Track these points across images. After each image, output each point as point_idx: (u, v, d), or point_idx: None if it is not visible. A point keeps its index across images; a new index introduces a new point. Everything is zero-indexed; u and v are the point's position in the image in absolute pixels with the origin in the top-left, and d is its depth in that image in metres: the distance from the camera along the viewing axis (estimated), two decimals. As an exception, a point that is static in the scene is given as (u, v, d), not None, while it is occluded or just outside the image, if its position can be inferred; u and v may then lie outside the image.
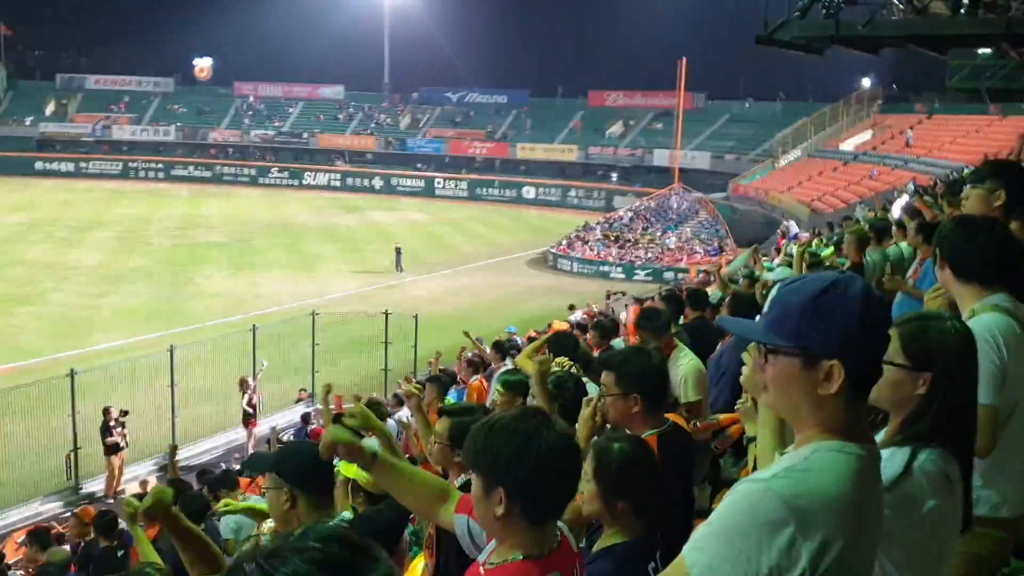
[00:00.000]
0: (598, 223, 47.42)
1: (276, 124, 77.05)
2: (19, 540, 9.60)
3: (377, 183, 68.90)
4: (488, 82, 79.43)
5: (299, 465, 3.18)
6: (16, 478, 15.09)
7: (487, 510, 2.19)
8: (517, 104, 75.88)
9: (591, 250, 41.71)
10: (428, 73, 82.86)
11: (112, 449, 15.09)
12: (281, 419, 18.28)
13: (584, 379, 4.70)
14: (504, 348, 11.11)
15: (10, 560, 8.61)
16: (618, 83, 72.89)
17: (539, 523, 2.20)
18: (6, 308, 28.05)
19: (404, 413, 9.80)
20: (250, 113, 78.27)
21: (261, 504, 4.18)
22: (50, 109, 77.45)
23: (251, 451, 16.05)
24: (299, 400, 19.07)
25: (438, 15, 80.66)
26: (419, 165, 71.01)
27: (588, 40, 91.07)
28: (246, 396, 17.19)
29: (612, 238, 43.34)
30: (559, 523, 2.30)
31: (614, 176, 65.29)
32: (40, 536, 8.09)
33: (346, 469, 3.78)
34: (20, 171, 68.03)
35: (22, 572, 7.92)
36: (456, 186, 68.40)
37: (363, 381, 19.37)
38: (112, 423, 15.16)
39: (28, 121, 74.99)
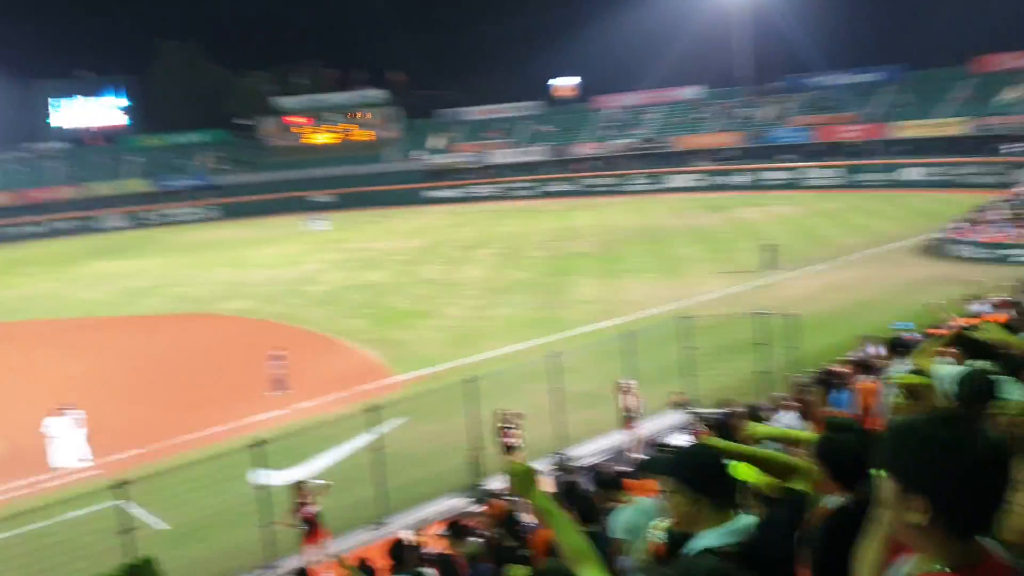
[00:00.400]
0: (1001, 200, 42.38)
1: (637, 132, 78.65)
2: (437, 532, 10.58)
3: (742, 179, 67.71)
4: (852, 62, 74.78)
5: (697, 468, 3.20)
6: (428, 475, 16.81)
7: (902, 516, 2.06)
8: (889, 81, 70.54)
9: (993, 231, 37.43)
10: (788, 62, 79.72)
11: (508, 449, 16.23)
12: (659, 422, 18.52)
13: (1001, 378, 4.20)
14: (898, 346, 10.34)
15: (429, 549, 9.54)
16: (1007, 44, 65.10)
17: (964, 537, 2.03)
18: (411, 323, 31.43)
19: (784, 418, 9.48)
20: (612, 125, 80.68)
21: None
22: (437, 143, 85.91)
23: (633, 453, 16.44)
24: (676, 404, 19.14)
25: (792, 1, 77.52)
26: (785, 156, 68.65)
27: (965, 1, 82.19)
28: (624, 399, 17.66)
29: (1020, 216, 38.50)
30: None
31: (1014, 147, 58.15)
32: (457, 528, 8.86)
33: (740, 471, 3.73)
34: (414, 201, 77.79)
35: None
36: (827, 174, 65.16)
37: (740, 384, 19.04)
38: (507, 425, 16.32)
39: (419, 155, 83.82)
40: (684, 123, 77.41)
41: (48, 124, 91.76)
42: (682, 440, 14.53)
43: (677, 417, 16.86)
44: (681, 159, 73.71)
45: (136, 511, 14.67)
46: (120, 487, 12.98)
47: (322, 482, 14.75)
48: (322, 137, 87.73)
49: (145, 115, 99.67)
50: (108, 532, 12.77)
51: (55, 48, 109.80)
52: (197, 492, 14.92)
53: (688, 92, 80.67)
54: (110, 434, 21.25)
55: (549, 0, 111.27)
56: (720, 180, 68.85)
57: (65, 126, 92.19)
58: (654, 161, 74.85)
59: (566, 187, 75.61)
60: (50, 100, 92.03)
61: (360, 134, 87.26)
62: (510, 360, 23.77)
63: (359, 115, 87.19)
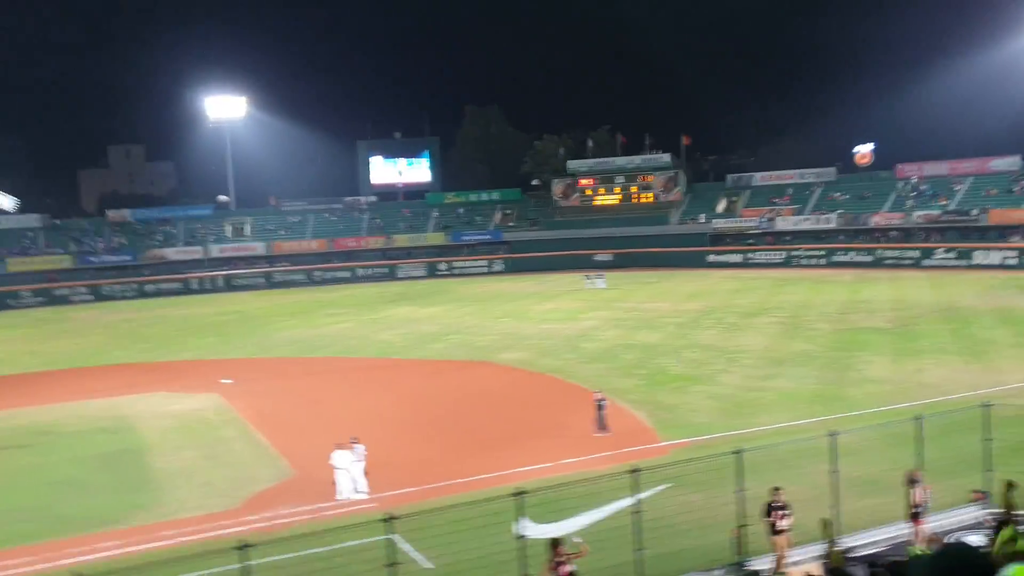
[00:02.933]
0: None
1: (941, 203, 73.12)
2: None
3: (1064, 259, 60.62)
4: None
5: (956, 571, 2.75)
6: (687, 547, 16.15)
7: None
8: None
9: None
10: None
11: (774, 529, 15.27)
12: (951, 518, 16.67)
13: None
14: None
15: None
16: None
17: None
18: (685, 387, 30.79)
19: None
20: (913, 194, 75.71)
21: None
22: (721, 207, 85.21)
23: (916, 548, 14.87)
24: (973, 500, 17.19)
25: None
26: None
27: None
28: (913, 491, 16.07)
29: None
30: None
31: None
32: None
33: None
34: (696, 264, 77.44)
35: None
36: None
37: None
38: (775, 504, 15.37)
39: (702, 218, 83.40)
40: (997, 196, 70.92)
41: (366, 181, 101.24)
42: (976, 539, 12.97)
43: (970, 513, 15.10)
44: (992, 234, 67.46)
45: (404, 547, 15.32)
46: (389, 521, 13.57)
47: (579, 540, 14.62)
48: (608, 198, 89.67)
49: (447, 174, 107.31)
50: (377, 563, 13.34)
51: (378, 113, 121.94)
52: (462, 534, 15.26)
53: (1002, 163, 74.04)
54: (388, 469, 22.47)
55: (850, 66, 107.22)
56: (1038, 258, 62.12)
57: (379, 182, 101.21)
58: (960, 235, 69.09)
59: (858, 258, 71.67)
60: (370, 158, 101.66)
61: (644, 196, 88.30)
62: (785, 435, 22.50)
63: (644, 178, 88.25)
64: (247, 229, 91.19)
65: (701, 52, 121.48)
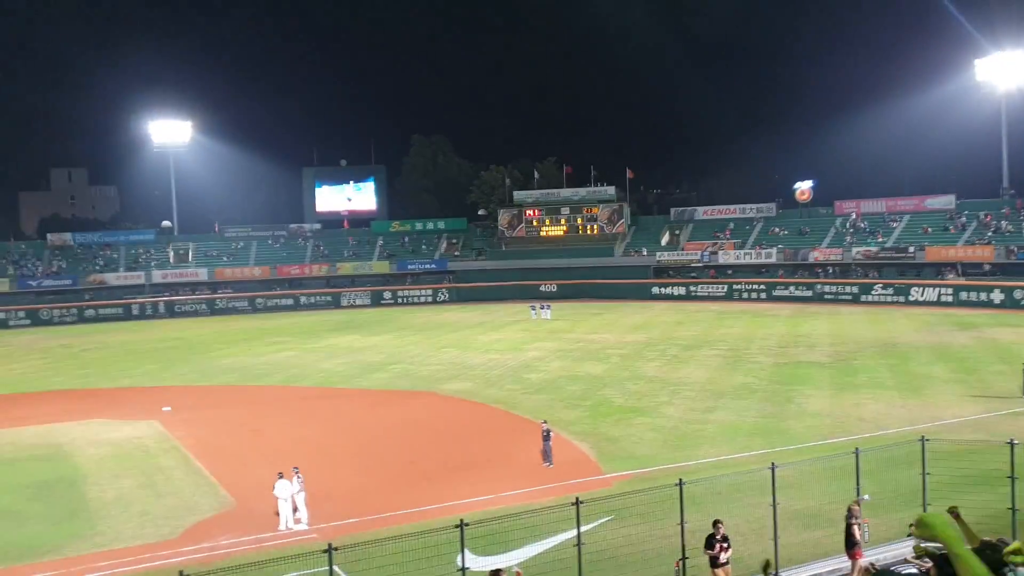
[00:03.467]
0: None
1: (879, 240, 74.98)
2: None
3: (996, 297, 62.40)
4: None
5: None
6: (631, 580, 16.15)
7: None
8: None
9: None
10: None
11: (713, 562, 15.37)
12: (886, 552, 16.94)
13: None
14: None
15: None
16: None
17: None
18: (626, 419, 30.94)
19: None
20: (851, 231, 77.52)
21: None
22: (665, 239, 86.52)
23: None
24: (909, 535, 17.48)
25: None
26: (1048, 275, 62.75)
27: None
28: (850, 524, 16.31)
29: None
30: None
31: None
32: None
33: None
34: (640, 295, 78.31)
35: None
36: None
37: (986, 520, 17.11)
38: (716, 536, 15.48)
39: (646, 251, 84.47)
40: (933, 233, 72.94)
41: (311, 208, 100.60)
42: (911, 571, 13.19)
43: (908, 547, 15.37)
44: (928, 271, 69.28)
45: (342, 578, 15.07)
46: (330, 552, 13.38)
47: (519, 572, 14.55)
48: (554, 229, 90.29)
49: (394, 202, 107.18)
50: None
51: (324, 140, 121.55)
52: (404, 565, 15.07)
53: (937, 202, 76.25)
54: (330, 500, 22.18)
55: (792, 104, 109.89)
56: (971, 296, 63.83)
57: (324, 210, 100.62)
58: (898, 271, 70.86)
59: (798, 292, 72.95)
60: (316, 185, 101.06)
61: (590, 228, 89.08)
62: (727, 468, 22.72)
63: (589, 210, 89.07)
64: (190, 255, 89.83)
65: (646, 90, 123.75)
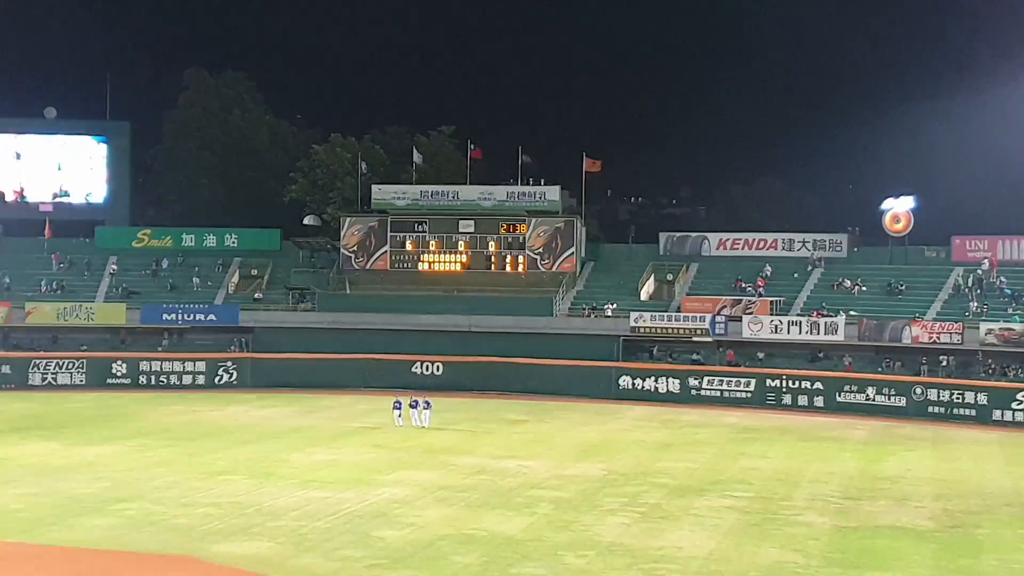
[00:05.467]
0: None
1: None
2: None
3: None
4: None
5: None
6: None
7: None
8: None
9: None
10: None
11: None
12: None
13: None
14: None
15: None
16: None
17: None
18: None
19: None
20: (981, 291, 79.92)
21: None
22: (647, 288, 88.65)
23: None
24: None
25: None
26: None
27: None
28: None
29: None
30: None
31: None
32: None
33: None
34: (598, 390, 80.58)
35: None
36: None
37: None
38: None
39: (611, 308, 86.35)
40: None
41: None
42: None
43: None
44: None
45: None
46: None
47: None
48: (445, 259, 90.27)
49: (144, 193, 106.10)
50: None
51: (17, 73, 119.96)
52: None
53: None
54: None
55: (878, 72, 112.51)
56: None
57: (9, 199, 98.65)
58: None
59: (883, 398, 73.89)
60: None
61: (512, 260, 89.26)
62: None
63: (513, 227, 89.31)
64: None
65: (624, 27, 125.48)
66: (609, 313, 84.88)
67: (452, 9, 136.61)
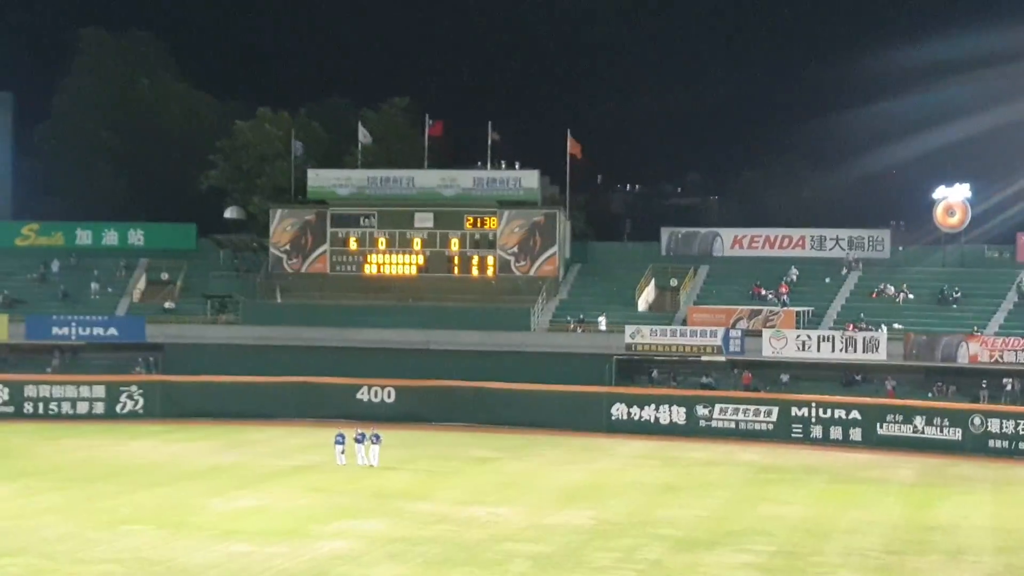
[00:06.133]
0: None
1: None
2: None
3: None
4: None
5: None
6: None
7: None
8: None
9: None
10: None
11: None
12: None
13: None
14: None
15: None
16: None
17: None
18: None
19: None
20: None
21: None
22: (645, 296, 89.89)
23: None
24: None
25: None
26: None
27: None
28: None
29: None
30: None
31: None
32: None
33: None
34: (585, 422, 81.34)
35: None
36: None
37: None
38: None
39: (603, 321, 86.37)
40: None
41: None
42: None
43: None
44: None
45: None
46: None
47: None
48: (397, 260, 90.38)
49: (30, 181, 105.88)
50: None
51: None
52: None
53: None
54: None
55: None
56: None
57: None
58: None
59: (934, 431, 74.20)
60: None
61: (479, 260, 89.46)
62: None
63: (479, 221, 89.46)
64: None
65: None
66: (601, 327, 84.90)
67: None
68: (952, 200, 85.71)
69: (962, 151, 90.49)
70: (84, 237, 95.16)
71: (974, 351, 77.31)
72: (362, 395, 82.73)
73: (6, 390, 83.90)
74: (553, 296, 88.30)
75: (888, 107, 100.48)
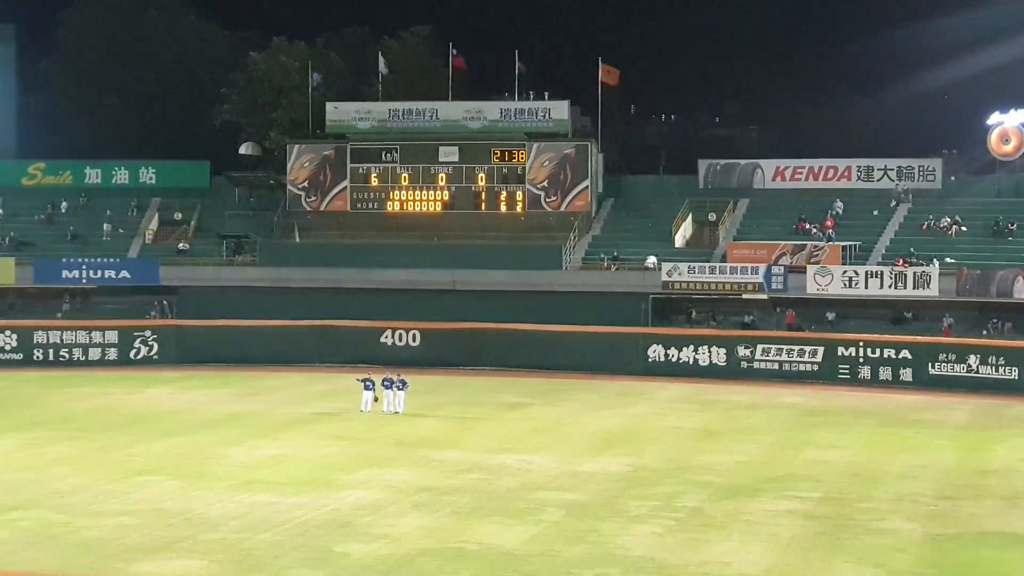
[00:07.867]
0: None
1: None
2: None
3: None
4: None
5: None
6: None
7: None
8: None
9: None
10: None
11: None
12: None
13: None
14: None
15: None
16: None
17: None
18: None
19: None
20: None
21: None
22: (682, 232, 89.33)
23: None
24: None
25: None
26: None
27: None
28: None
29: None
30: None
31: None
32: None
33: None
34: (619, 363, 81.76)
35: None
36: None
37: None
38: None
39: (638, 259, 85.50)
40: None
41: None
42: None
43: None
44: None
45: None
46: None
47: None
48: (420, 198, 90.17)
49: (36, 118, 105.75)
50: None
51: None
52: None
53: None
54: None
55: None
56: None
57: None
58: None
59: (988, 370, 73.98)
60: None
61: (506, 196, 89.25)
62: None
63: (508, 155, 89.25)
64: None
65: None
66: (639, 263, 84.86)
67: None
68: (1007, 126, 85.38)
69: (1018, 73, 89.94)
70: (93, 176, 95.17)
71: (1031, 286, 77.11)
72: (385, 339, 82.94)
73: (14, 336, 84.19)
74: (585, 233, 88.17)
75: (938, 24, 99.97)
